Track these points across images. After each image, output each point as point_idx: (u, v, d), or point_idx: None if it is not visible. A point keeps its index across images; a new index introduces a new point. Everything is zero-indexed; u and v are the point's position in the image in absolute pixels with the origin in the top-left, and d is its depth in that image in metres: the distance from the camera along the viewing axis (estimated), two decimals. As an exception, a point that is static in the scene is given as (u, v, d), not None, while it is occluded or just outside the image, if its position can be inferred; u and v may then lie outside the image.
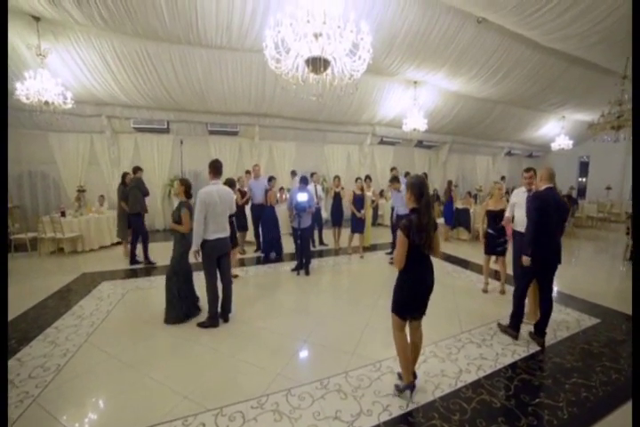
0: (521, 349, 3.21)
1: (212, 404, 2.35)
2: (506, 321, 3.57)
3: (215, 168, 3.62)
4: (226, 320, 3.68)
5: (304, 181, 5.44)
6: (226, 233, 3.63)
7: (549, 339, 3.38)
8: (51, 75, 5.47)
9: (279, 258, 6.42)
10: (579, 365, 2.96)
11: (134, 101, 7.61)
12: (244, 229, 6.54)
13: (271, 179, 6.52)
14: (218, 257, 3.60)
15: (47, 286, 4.60)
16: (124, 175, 6.18)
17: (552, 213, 3.12)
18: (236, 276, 5.23)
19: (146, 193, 5.87)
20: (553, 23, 5.71)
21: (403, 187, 6.03)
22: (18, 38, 5.39)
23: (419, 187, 2.30)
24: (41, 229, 6.05)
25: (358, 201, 6.49)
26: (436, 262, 6.10)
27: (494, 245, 4.60)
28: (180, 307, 3.64)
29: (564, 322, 3.81)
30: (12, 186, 7.56)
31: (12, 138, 7.46)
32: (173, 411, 2.28)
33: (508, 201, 4.54)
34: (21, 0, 4.74)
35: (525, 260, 3.26)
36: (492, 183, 6.03)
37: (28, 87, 5.19)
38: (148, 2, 4.81)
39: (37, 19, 5.21)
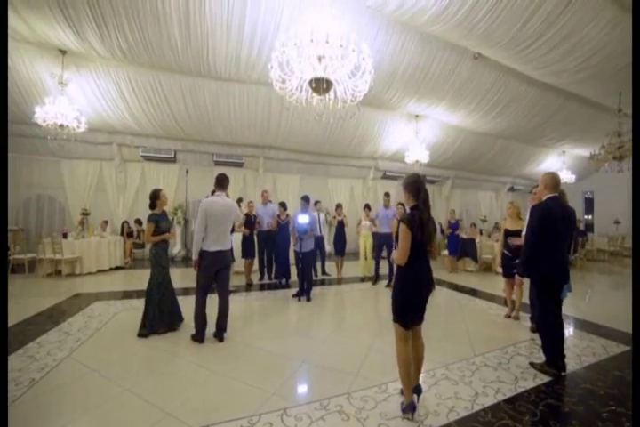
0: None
1: (196, 422, 2.08)
2: (531, 354, 3.27)
3: (218, 180, 3.62)
4: (220, 339, 3.41)
5: (305, 200, 5.39)
6: (226, 246, 3.50)
7: (575, 364, 3.06)
8: (69, 101, 5.82)
9: (286, 284, 6.21)
10: (614, 392, 2.61)
11: (144, 130, 7.93)
12: (251, 256, 6.24)
13: (283, 205, 6.45)
14: (216, 270, 3.44)
15: (37, 305, 4.41)
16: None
17: (558, 226, 2.80)
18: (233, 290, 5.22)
19: None
20: (545, 58, 6.05)
21: (393, 210, 6.30)
22: (44, 68, 5.85)
23: (414, 184, 2.29)
24: (41, 250, 5.97)
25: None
26: (445, 292, 5.98)
27: (510, 266, 4.31)
28: (153, 318, 3.49)
29: (589, 348, 3.49)
30: (19, 209, 7.68)
31: (27, 163, 7.77)
32: (152, 428, 2.01)
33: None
34: (52, 35, 5.21)
35: (518, 280, 3.05)
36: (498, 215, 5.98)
37: (47, 111, 5.49)
38: (163, 34, 5.22)
39: (64, 52, 5.69)
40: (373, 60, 3.93)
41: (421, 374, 2.47)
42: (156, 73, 6.37)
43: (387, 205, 6.49)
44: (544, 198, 2.94)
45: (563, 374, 2.85)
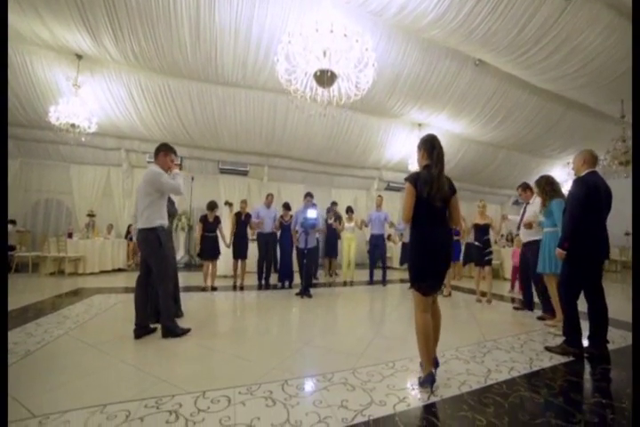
0: (559, 355, 2.74)
1: (193, 388, 1.98)
2: (545, 341, 3.16)
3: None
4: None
5: (311, 196, 5.38)
6: (143, 224, 2.98)
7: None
8: (81, 104, 6.07)
9: (289, 286, 6.07)
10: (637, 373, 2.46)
11: (152, 135, 8.09)
12: (242, 257, 5.91)
13: (286, 207, 6.32)
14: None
15: (37, 297, 4.35)
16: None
17: (602, 199, 2.75)
18: (215, 288, 5.36)
19: None
20: (543, 63, 6.20)
21: (384, 213, 6.56)
22: (60, 72, 6.16)
23: (430, 141, 2.26)
24: (45, 249, 5.98)
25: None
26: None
27: (481, 255, 4.94)
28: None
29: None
30: (27, 212, 7.80)
31: (37, 168, 7.95)
32: (147, 391, 1.91)
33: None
34: (70, 40, 5.52)
35: (560, 253, 2.93)
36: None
37: (60, 110, 5.75)
38: (174, 38, 5.49)
39: (80, 57, 6.01)
40: (375, 68, 4.04)
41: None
42: (166, 78, 6.63)
43: (379, 206, 6.65)
44: (583, 173, 2.88)
45: (586, 355, 2.72)
